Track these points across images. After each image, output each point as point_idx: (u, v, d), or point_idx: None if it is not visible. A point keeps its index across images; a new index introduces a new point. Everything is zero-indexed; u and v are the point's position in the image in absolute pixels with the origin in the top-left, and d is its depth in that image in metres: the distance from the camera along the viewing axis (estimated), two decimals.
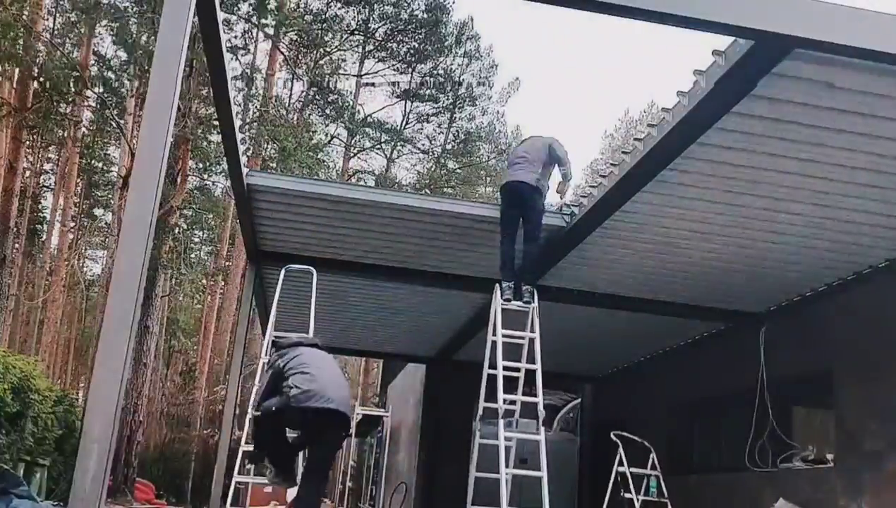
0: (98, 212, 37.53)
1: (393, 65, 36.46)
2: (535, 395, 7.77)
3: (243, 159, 8.48)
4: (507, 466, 7.34)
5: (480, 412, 8.24)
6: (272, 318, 8.87)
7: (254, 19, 26.87)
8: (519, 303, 8.01)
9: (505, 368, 7.83)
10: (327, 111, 34.40)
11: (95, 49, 28.28)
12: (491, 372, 8.01)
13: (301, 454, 6.87)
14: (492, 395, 7.84)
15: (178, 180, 22.34)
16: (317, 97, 33.69)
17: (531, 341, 8.09)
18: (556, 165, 8.29)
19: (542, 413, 7.56)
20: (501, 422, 7.40)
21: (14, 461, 12.04)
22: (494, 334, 8.01)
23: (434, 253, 9.23)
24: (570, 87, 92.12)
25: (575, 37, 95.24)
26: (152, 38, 20.94)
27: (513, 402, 7.99)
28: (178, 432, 33.72)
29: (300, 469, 6.75)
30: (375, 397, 35.64)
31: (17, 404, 11.87)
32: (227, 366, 29.69)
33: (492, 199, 13.73)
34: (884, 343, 8.27)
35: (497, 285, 8.10)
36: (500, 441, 7.33)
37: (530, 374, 8.08)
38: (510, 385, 8.05)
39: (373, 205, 8.13)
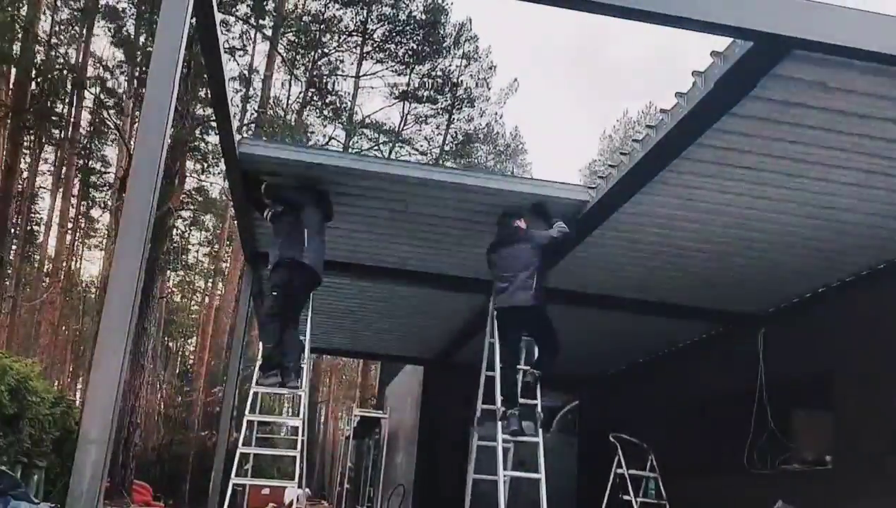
0: (95, 213, 37.51)
1: (391, 66, 36.42)
2: (534, 397, 7.63)
3: None
4: (505, 468, 7.25)
5: (478, 414, 8.11)
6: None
7: (252, 20, 26.87)
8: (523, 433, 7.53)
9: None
10: (325, 112, 34.39)
11: (93, 50, 28.31)
12: (489, 373, 7.89)
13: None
14: (490, 397, 7.73)
15: (176, 181, 22.34)
16: (315, 98, 33.68)
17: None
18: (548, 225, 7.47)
19: (540, 415, 7.45)
20: (500, 424, 7.29)
21: (12, 462, 12.02)
22: (493, 336, 7.88)
23: (433, 254, 9.21)
24: (568, 89, 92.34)
25: (573, 38, 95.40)
26: (150, 38, 20.94)
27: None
28: (175, 434, 33.69)
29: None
30: (374, 399, 35.63)
31: (14, 405, 11.87)
32: (224, 368, 29.66)
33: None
34: (883, 344, 8.26)
35: (495, 283, 7.70)
36: (499, 443, 7.23)
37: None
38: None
39: (379, 178, 7.49)
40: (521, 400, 7.67)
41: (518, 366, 7.72)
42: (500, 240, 7.55)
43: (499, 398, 7.46)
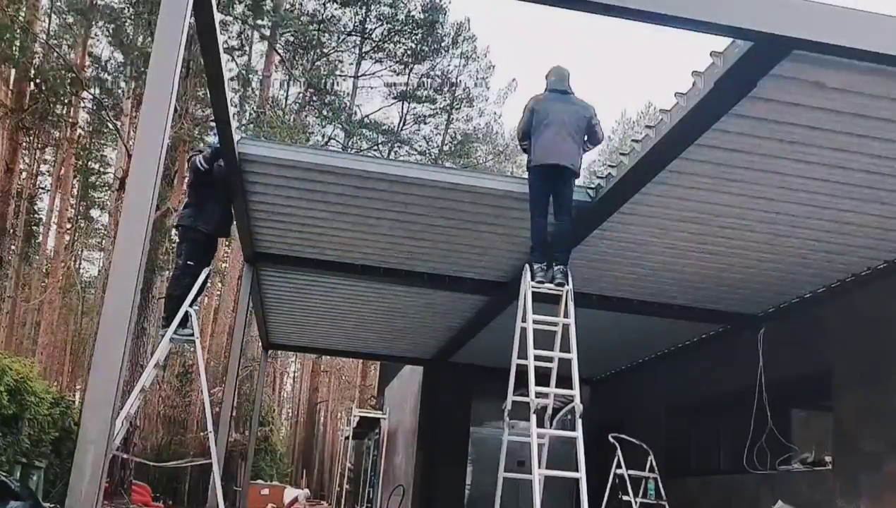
0: (95, 213, 37.51)
1: (390, 66, 36.45)
2: (571, 388, 6.97)
3: None
4: (539, 466, 6.66)
5: (509, 407, 7.50)
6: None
7: (250, 20, 26.84)
8: (551, 286, 7.30)
9: (536, 358, 7.01)
10: (324, 112, 34.39)
11: (92, 50, 28.27)
12: (520, 362, 7.18)
13: None
14: (519, 390, 7.23)
15: (175, 181, 22.32)
16: (314, 98, 33.67)
17: (565, 327, 7.23)
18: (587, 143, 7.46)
19: (579, 407, 6.83)
20: (534, 418, 6.75)
21: (11, 463, 12.02)
22: (524, 320, 7.21)
23: (432, 254, 9.21)
24: None
25: (572, 38, 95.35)
26: (149, 39, 20.93)
27: (545, 395, 7.16)
28: (174, 434, 33.68)
29: None
30: (373, 399, 35.61)
31: (13, 406, 11.86)
32: (224, 368, 29.66)
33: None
34: (882, 344, 8.26)
35: (526, 266, 7.47)
36: (533, 439, 6.62)
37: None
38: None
39: (378, 179, 7.46)
40: (558, 390, 7.25)
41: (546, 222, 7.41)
42: (553, 97, 7.51)
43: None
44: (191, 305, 7.30)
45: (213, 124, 7.34)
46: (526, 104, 7.57)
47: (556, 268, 7.34)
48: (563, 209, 7.33)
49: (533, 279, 7.32)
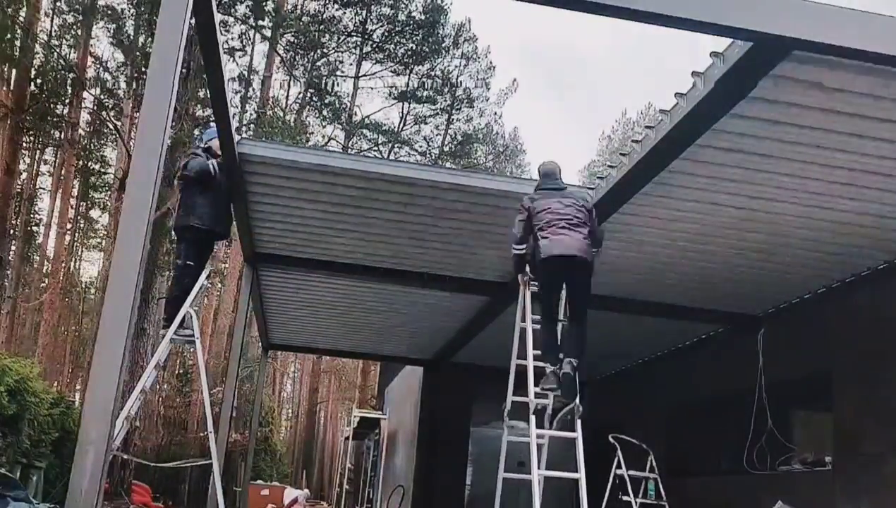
0: (95, 214, 37.48)
1: (390, 66, 36.46)
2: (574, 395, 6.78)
3: None
4: (539, 467, 6.62)
5: (508, 407, 7.50)
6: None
7: (251, 21, 26.86)
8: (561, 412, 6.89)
9: (536, 358, 6.97)
10: (325, 113, 34.41)
11: (92, 51, 28.27)
12: (520, 362, 7.16)
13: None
14: (519, 391, 7.18)
15: (175, 182, 22.30)
16: (314, 99, 33.68)
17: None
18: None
19: (579, 408, 6.75)
20: (533, 419, 6.72)
21: (11, 463, 12.02)
22: (523, 321, 7.23)
23: (432, 254, 9.21)
24: (566, 89, 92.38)
25: (572, 38, 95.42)
26: (149, 39, 20.93)
27: (545, 396, 6.97)
28: (174, 434, 33.67)
29: None
30: (373, 399, 35.62)
31: (13, 406, 11.86)
32: (224, 368, 29.64)
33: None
34: (883, 345, 8.26)
35: (527, 267, 7.19)
36: (532, 439, 6.58)
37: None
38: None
39: (378, 179, 7.46)
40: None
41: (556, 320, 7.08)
42: (545, 194, 7.06)
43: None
44: (191, 306, 7.27)
45: (213, 124, 7.32)
46: (519, 205, 7.05)
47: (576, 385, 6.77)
48: (579, 310, 6.89)
49: (542, 387, 6.88)
